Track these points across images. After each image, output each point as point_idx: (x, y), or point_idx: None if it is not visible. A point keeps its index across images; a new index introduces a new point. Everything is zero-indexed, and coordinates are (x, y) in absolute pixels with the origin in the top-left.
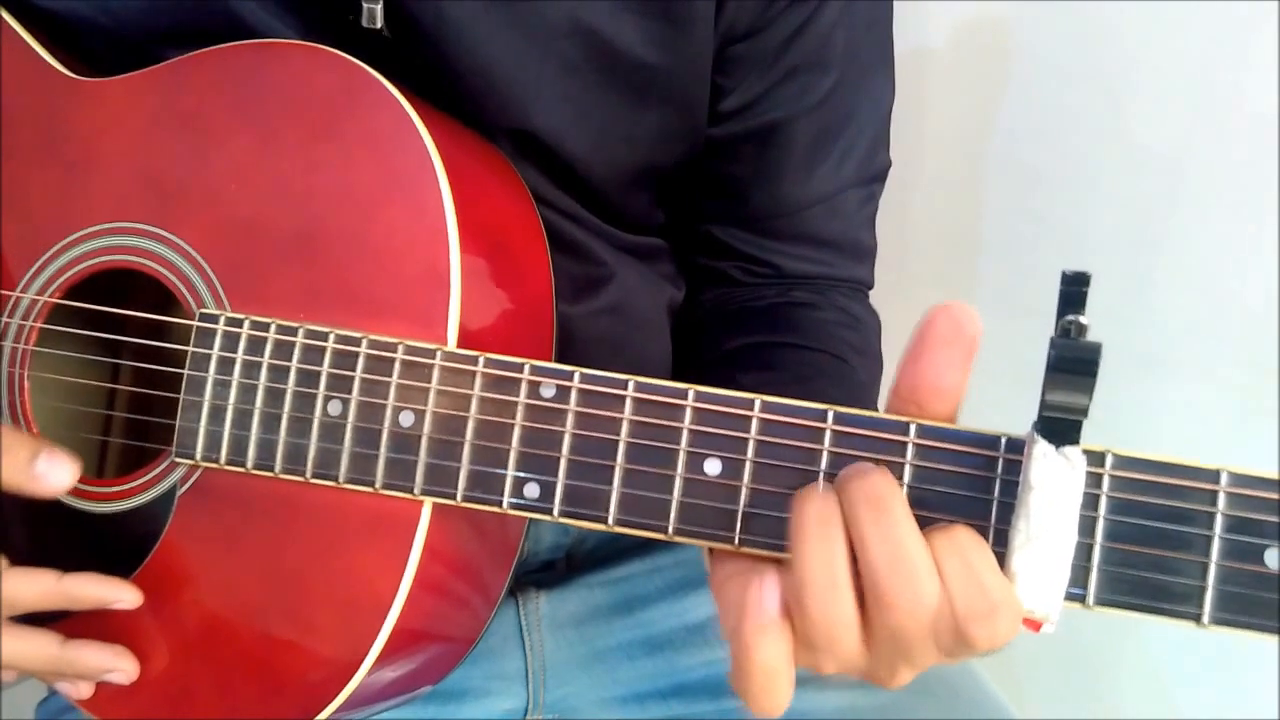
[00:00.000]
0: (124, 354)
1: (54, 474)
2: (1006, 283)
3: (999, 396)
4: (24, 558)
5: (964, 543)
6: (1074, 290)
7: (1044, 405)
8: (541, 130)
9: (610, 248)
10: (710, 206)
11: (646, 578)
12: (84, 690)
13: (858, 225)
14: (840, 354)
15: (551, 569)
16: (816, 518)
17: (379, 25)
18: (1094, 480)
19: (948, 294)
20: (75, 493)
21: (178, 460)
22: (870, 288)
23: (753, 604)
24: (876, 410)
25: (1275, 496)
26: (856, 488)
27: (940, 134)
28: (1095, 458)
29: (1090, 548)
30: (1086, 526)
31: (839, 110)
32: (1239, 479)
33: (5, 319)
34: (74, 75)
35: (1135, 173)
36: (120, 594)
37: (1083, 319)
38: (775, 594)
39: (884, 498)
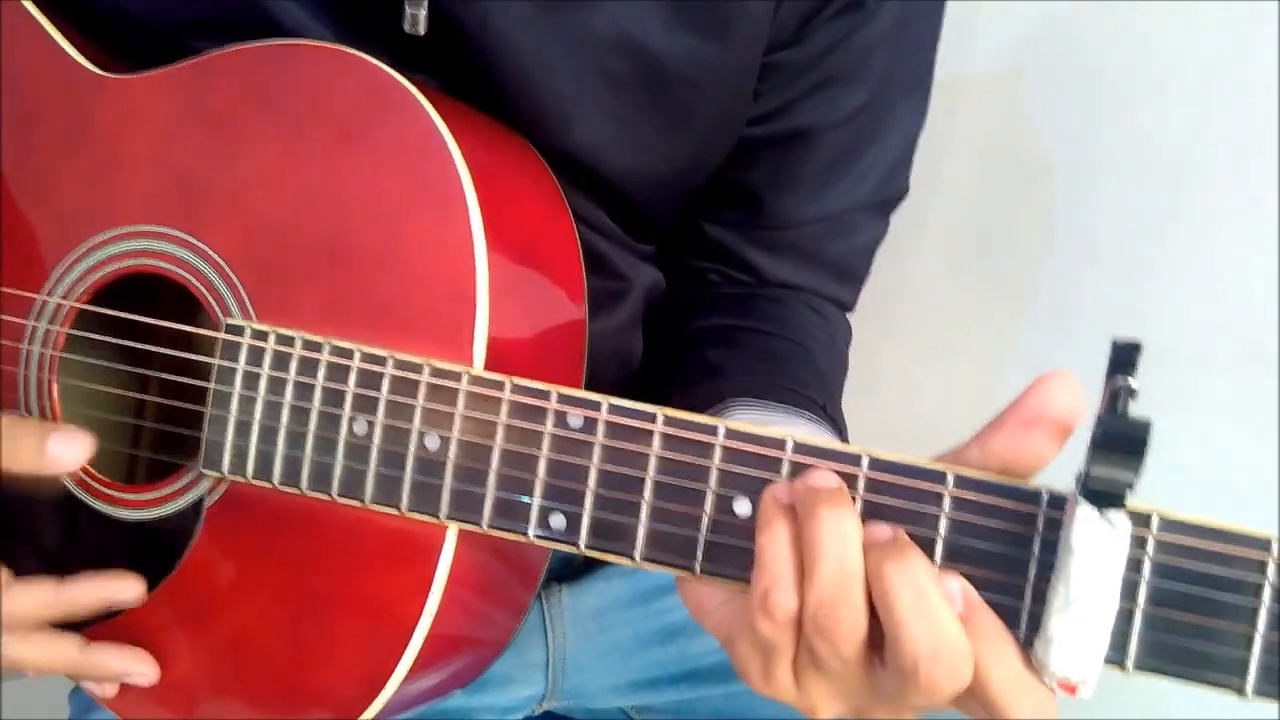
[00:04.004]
0: (152, 361)
1: (68, 451)
2: (1014, 276)
3: (1007, 393)
4: (57, 563)
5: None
6: (1125, 359)
7: (1088, 479)
8: (580, 144)
9: (629, 258)
10: (715, 207)
11: None
12: (109, 691)
13: (855, 251)
14: (803, 343)
15: (570, 564)
16: (835, 533)
17: (421, 31)
18: (1138, 542)
19: (955, 288)
20: (105, 498)
21: (204, 473)
22: (849, 310)
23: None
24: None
25: None
26: (894, 572)
27: (949, 130)
28: (1140, 519)
29: (1132, 611)
30: (1129, 589)
31: (866, 128)
32: None
33: (32, 323)
34: (100, 72)
35: (1140, 166)
36: (121, 588)
37: (1133, 382)
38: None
39: (923, 584)
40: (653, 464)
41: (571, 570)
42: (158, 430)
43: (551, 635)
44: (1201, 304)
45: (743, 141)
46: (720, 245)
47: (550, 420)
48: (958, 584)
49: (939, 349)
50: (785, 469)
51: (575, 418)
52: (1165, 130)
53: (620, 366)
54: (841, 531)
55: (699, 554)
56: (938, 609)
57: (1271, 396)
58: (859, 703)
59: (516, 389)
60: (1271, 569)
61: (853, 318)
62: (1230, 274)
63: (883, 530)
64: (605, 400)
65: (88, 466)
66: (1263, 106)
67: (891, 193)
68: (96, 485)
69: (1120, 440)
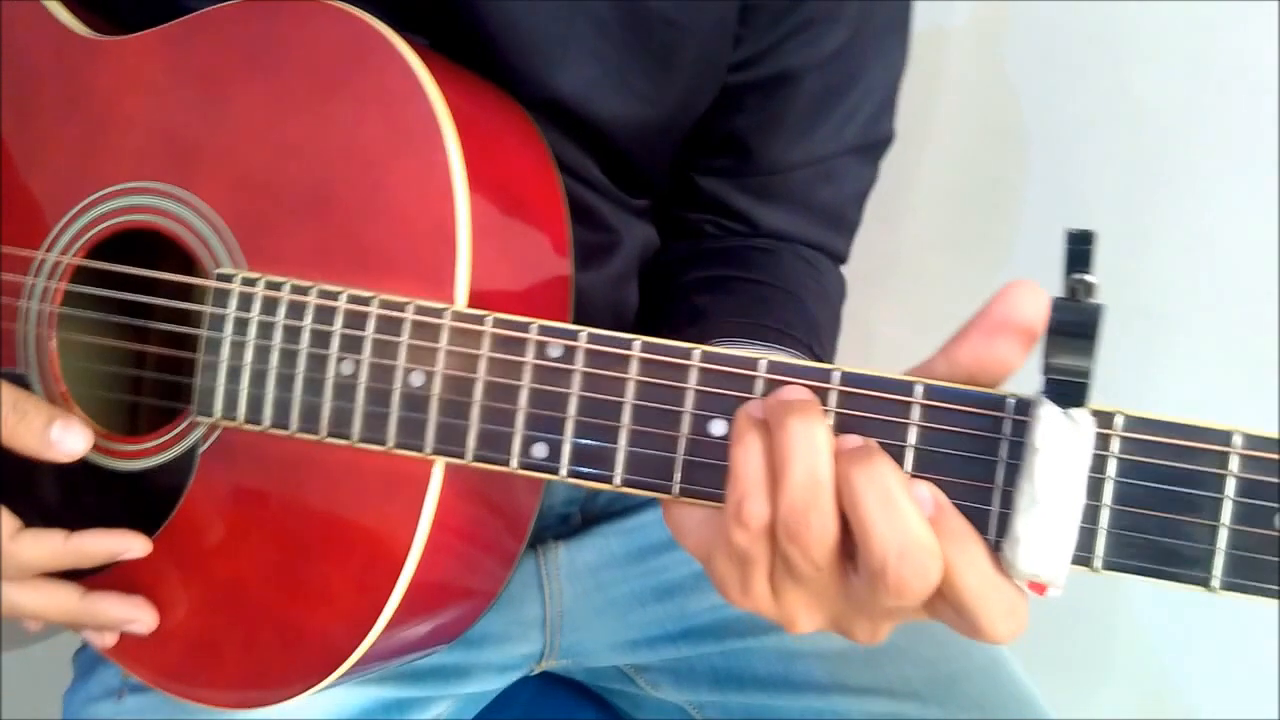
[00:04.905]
0: (147, 313)
1: (68, 441)
2: (1010, 240)
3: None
4: (55, 514)
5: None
6: (1079, 249)
7: (1047, 368)
8: (567, 90)
9: (621, 212)
10: (704, 157)
11: (659, 526)
12: (108, 639)
13: (846, 197)
14: (794, 290)
15: (567, 522)
16: (805, 443)
17: None
18: (1102, 441)
19: (951, 254)
20: (102, 450)
21: (198, 419)
22: (843, 261)
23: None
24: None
25: None
26: (860, 475)
27: (943, 96)
28: (1104, 418)
29: (1098, 510)
30: (1094, 488)
31: (848, 68)
32: (1252, 440)
33: (31, 279)
34: (91, 34)
35: (1135, 129)
36: (129, 544)
37: (1089, 278)
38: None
39: (890, 486)
40: (631, 389)
41: (569, 528)
42: (155, 381)
43: (548, 592)
44: (1197, 268)
45: (727, 88)
46: (712, 196)
47: (531, 351)
48: (927, 489)
49: (935, 319)
50: (759, 388)
51: (555, 347)
52: (1159, 89)
53: (615, 320)
54: (811, 439)
55: (676, 475)
56: (904, 509)
57: (1266, 357)
58: (836, 613)
59: (498, 322)
60: (1234, 460)
61: (850, 289)
62: (1224, 236)
63: (852, 439)
64: (584, 330)
65: (86, 418)
66: (1253, 65)
67: (877, 137)
68: (94, 437)
69: (1071, 325)
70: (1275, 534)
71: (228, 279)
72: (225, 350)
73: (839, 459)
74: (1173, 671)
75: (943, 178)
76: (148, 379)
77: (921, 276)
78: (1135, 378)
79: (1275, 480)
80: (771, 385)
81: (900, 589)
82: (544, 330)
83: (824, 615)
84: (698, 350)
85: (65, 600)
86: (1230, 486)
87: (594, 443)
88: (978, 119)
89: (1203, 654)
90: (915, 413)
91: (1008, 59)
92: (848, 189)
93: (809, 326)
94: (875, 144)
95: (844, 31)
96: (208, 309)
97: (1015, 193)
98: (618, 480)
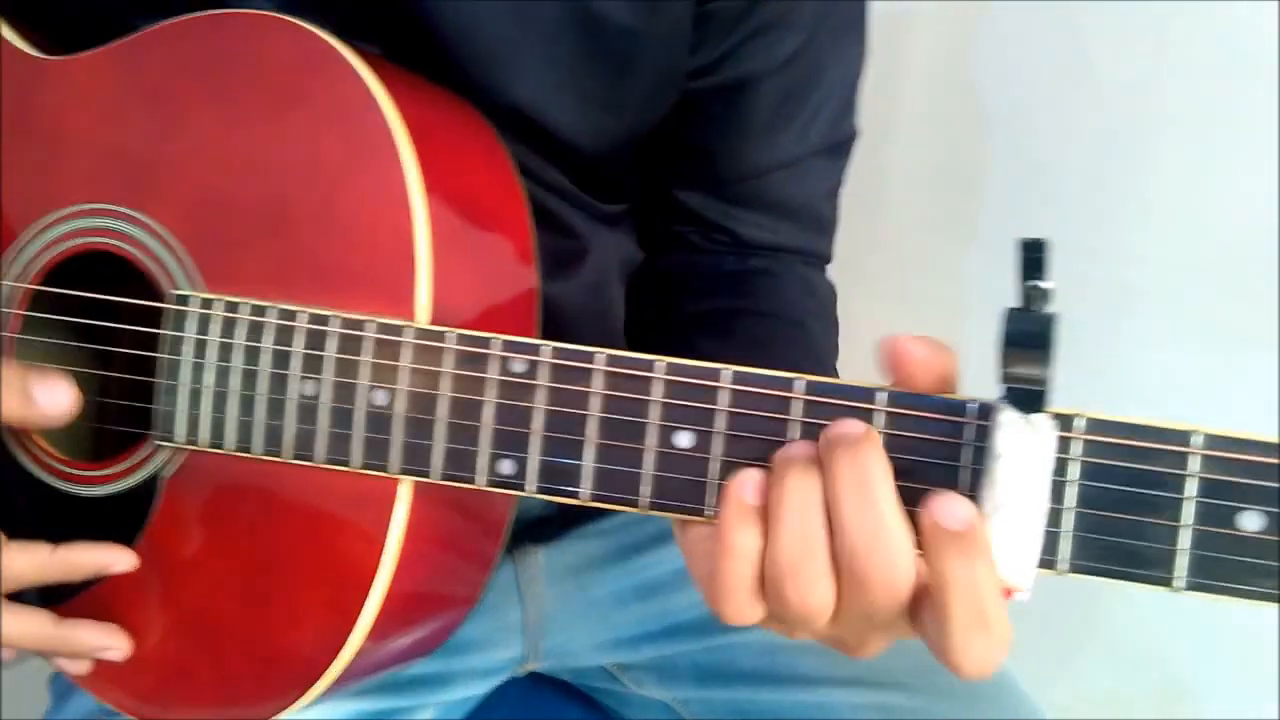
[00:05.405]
0: (105, 337)
1: (54, 397)
2: (976, 220)
3: (980, 343)
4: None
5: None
6: (1033, 257)
7: (1005, 377)
8: (523, 97)
9: (586, 219)
10: (675, 169)
11: (638, 525)
12: (82, 667)
13: (820, 196)
14: (798, 319)
15: (547, 524)
16: (798, 498)
17: None
18: (1064, 444)
19: (928, 240)
20: (65, 476)
21: (160, 444)
22: (828, 261)
23: (733, 495)
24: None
25: (1248, 458)
26: (841, 462)
27: (912, 79)
28: (1065, 421)
29: (1060, 513)
30: (1057, 491)
31: (806, 71)
32: (1212, 440)
33: None
34: (39, 55)
35: (1103, 106)
36: (115, 556)
37: (1043, 284)
38: (754, 487)
39: (869, 477)
40: (595, 402)
41: (548, 531)
42: (115, 406)
43: (528, 596)
44: (1173, 241)
45: (689, 98)
46: (689, 207)
47: (494, 367)
48: (964, 507)
49: (913, 301)
50: (724, 398)
51: (518, 363)
52: (1126, 62)
53: (598, 329)
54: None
55: (643, 489)
56: (878, 499)
57: (1241, 326)
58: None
59: (460, 339)
60: (1194, 461)
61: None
62: (1199, 209)
63: (854, 425)
64: (546, 344)
65: (46, 445)
66: (1217, 43)
67: (842, 136)
68: (55, 464)
69: (1026, 335)
70: (1237, 533)
71: (184, 301)
72: (185, 373)
73: (829, 444)
74: (1169, 664)
75: (911, 160)
76: (109, 404)
77: (897, 259)
78: (1118, 354)
79: (1236, 480)
80: (737, 395)
81: (867, 583)
82: (507, 345)
83: (822, 639)
84: (662, 362)
85: (40, 626)
86: (1191, 487)
87: (560, 459)
88: (943, 101)
89: (1200, 649)
90: (879, 420)
91: (973, 41)
92: (820, 187)
93: (816, 358)
94: (841, 143)
95: (799, 35)
96: (166, 332)
97: (983, 173)
98: (586, 495)
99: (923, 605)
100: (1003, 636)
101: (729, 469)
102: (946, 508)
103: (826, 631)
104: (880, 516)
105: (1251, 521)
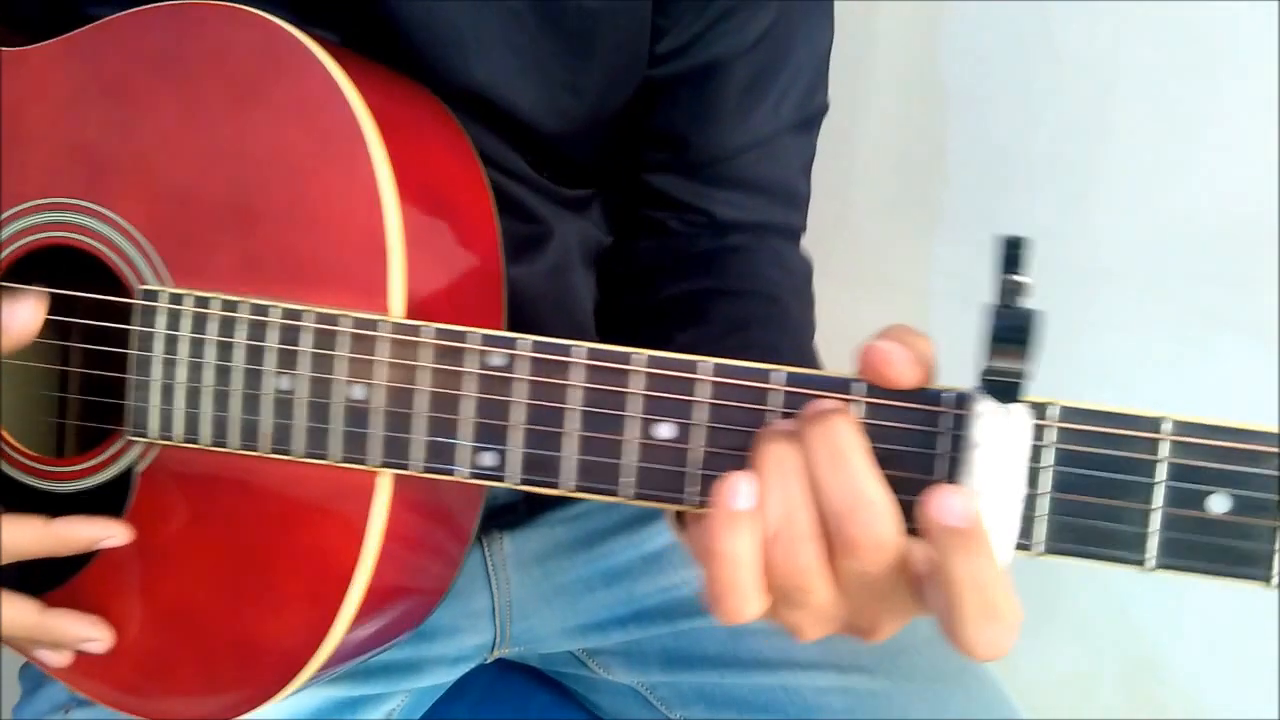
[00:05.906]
0: (73, 333)
1: (20, 311)
2: (954, 206)
3: (955, 328)
4: None
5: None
6: (1012, 253)
7: (986, 370)
8: (483, 79)
9: (549, 204)
10: (648, 154)
11: (604, 513)
12: (63, 659)
13: (793, 172)
14: (774, 295)
15: (513, 511)
16: (776, 467)
17: None
18: (1038, 432)
19: (895, 222)
20: (35, 473)
21: (133, 439)
22: (802, 233)
23: (724, 497)
24: (817, 358)
25: (1216, 443)
26: (815, 433)
27: (879, 61)
28: (1039, 409)
29: (1035, 498)
30: (1032, 477)
31: (776, 50)
32: (1181, 426)
33: None
34: None
35: (1067, 91)
36: (109, 530)
37: (1021, 278)
38: (749, 488)
39: (842, 444)
40: (576, 394)
41: (514, 518)
42: (85, 401)
43: (496, 582)
44: (1140, 224)
45: (659, 83)
46: (663, 192)
47: (473, 360)
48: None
49: (881, 287)
50: (705, 390)
51: (497, 356)
52: (1091, 43)
53: (560, 313)
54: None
55: (624, 479)
56: (854, 466)
57: (1206, 312)
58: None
59: (437, 333)
60: (1164, 446)
61: None
62: (1166, 193)
63: (827, 402)
64: (526, 337)
65: (15, 442)
66: (1187, 24)
67: (812, 110)
68: (26, 460)
69: (1010, 332)
70: (1206, 516)
71: (152, 296)
72: (157, 368)
73: (804, 419)
74: (1133, 641)
75: (877, 145)
76: (79, 400)
77: (865, 245)
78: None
79: (1204, 464)
80: (718, 387)
81: (853, 546)
82: (486, 339)
83: (832, 625)
84: (642, 355)
85: (25, 614)
86: (1161, 471)
87: (542, 451)
88: (909, 86)
89: (1166, 625)
90: (858, 410)
91: (938, 26)
92: (793, 163)
93: (794, 343)
94: (812, 118)
95: (767, 15)
96: (136, 328)
97: (948, 157)
98: (570, 485)
99: (928, 585)
100: (1013, 620)
101: (710, 459)
102: (946, 504)
103: (833, 613)
104: (855, 478)
105: (1219, 504)
